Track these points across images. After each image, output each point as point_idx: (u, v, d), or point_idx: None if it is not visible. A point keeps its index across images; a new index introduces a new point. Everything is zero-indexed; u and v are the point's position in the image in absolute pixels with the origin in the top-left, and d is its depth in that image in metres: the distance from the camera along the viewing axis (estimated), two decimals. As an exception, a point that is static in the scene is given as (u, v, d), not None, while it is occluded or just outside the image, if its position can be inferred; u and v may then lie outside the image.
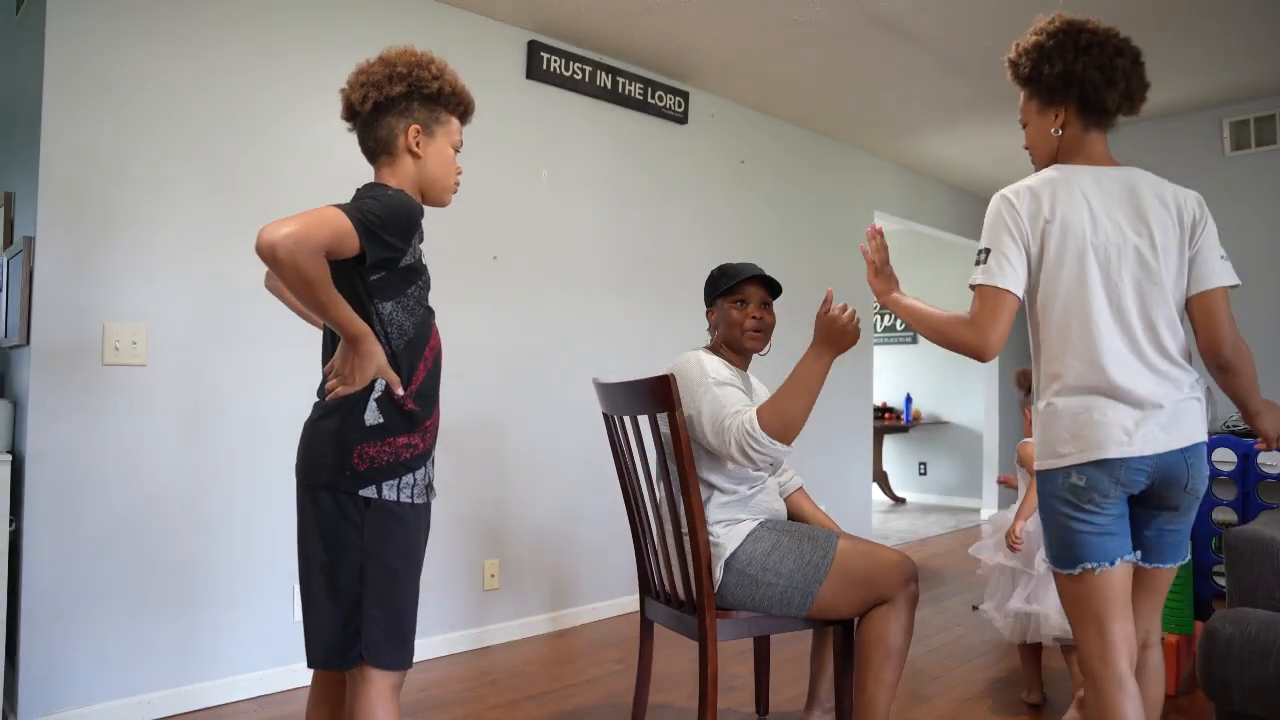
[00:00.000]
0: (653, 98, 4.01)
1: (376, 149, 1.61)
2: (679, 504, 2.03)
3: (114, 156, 2.56)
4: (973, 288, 1.62)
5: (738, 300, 2.19)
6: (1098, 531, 1.56)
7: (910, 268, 7.69)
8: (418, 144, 1.59)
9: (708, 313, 2.27)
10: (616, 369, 3.77)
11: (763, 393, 2.28)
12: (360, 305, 1.48)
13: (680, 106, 4.14)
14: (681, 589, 2.05)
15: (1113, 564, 1.55)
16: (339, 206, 1.39)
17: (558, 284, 3.67)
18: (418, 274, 1.55)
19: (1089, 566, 1.56)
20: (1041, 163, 1.72)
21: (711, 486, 2.07)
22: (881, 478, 7.41)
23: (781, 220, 4.77)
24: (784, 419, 1.87)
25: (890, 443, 7.77)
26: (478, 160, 3.35)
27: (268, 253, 1.28)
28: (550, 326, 3.64)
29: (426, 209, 1.62)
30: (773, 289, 2.21)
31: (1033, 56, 1.66)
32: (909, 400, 7.44)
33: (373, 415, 1.51)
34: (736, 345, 2.20)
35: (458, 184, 1.70)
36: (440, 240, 3.08)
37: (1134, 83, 1.63)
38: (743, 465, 1.97)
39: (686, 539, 2.00)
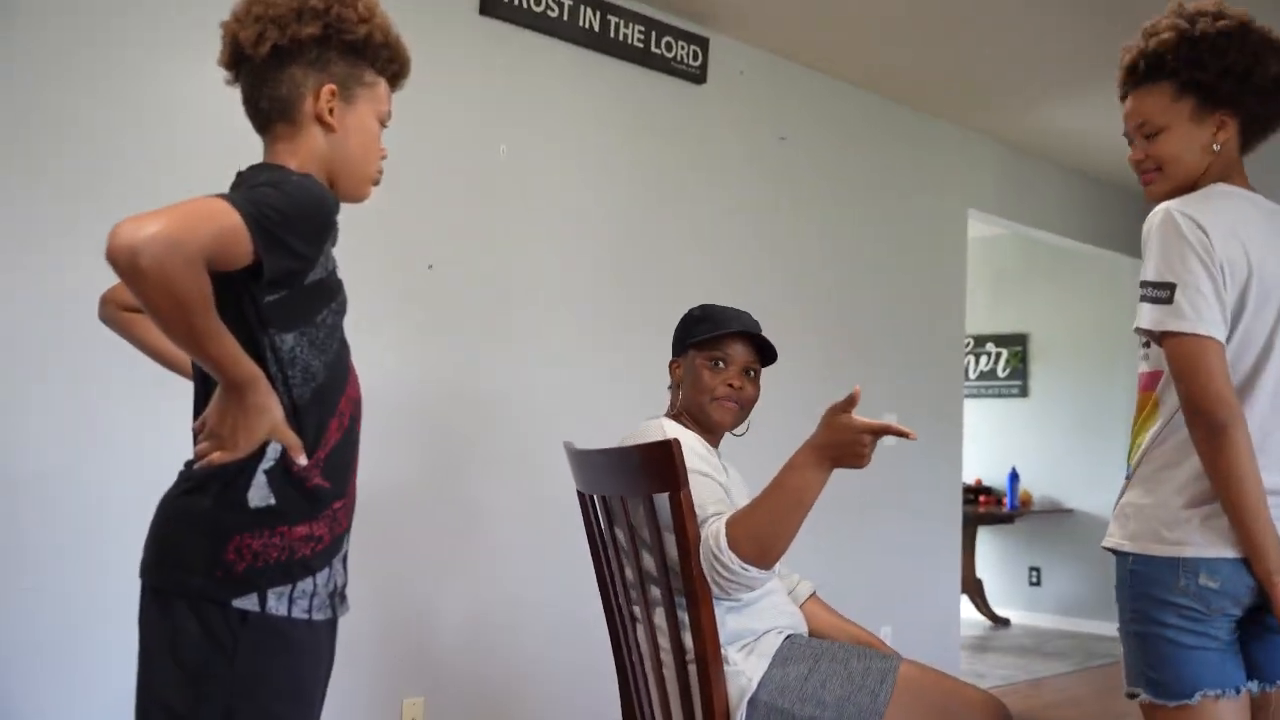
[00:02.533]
0: (658, 46, 4.09)
1: (271, 113, 1.63)
2: (683, 620, 2.06)
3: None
4: (1153, 335, 1.78)
5: (715, 358, 2.30)
6: (1219, 648, 1.77)
7: (1015, 285, 7.76)
8: (331, 110, 1.62)
9: (672, 364, 2.39)
10: (598, 429, 3.80)
11: (740, 485, 2.35)
12: (249, 338, 1.49)
13: (696, 59, 4.22)
14: (686, 743, 2.08)
15: (1238, 692, 1.76)
16: (221, 197, 1.40)
17: (517, 305, 3.71)
18: (331, 293, 1.57)
19: (1210, 694, 1.74)
20: (1176, 185, 1.91)
21: None
22: (974, 588, 7.42)
23: (835, 220, 4.83)
24: (762, 541, 1.97)
25: (988, 538, 7.80)
26: (408, 130, 3.40)
27: (126, 260, 1.25)
28: (504, 365, 3.67)
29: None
30: (765, 353, 2.34)
31: (1210, 45, 1.84)
32: (1014, 478, 7.48)
33: (260, 494, 1.51)
34: (701, 415, 2.31)
35: (381, 172, 1.73)
36: (350, 243, 3.12)
37: None
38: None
39: (693, 668, 2.03)
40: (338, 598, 1.64)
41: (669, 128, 4.20)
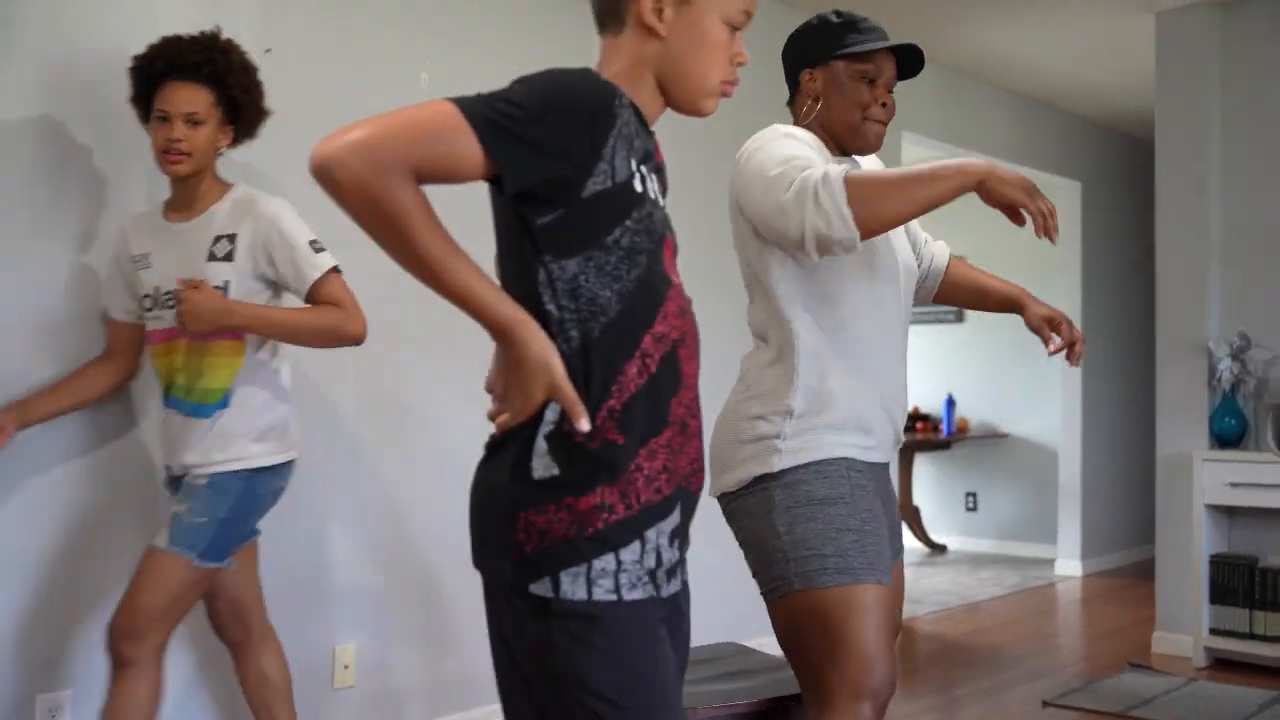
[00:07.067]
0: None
1: (601, 13, 1.55)
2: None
3: None
4: None
5: (866, 73, 2.18)
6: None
7: (952, 211, 7.85)
8: (660, 13, 1.48)
9: (806, 75, 2.22)
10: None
11: None
12: (524, 270, 1.40)
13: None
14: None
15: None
16: (454, 100, 1.32)
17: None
18: (624, 208, 1.41)
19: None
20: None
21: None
22: (911, 515, 7.59)
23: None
24: (872, 203, 1.85)
25: (924, 465, 7.97)
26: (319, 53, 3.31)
27: (318, 172, 1.25)
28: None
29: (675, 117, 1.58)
30: (904, 71, 2.25)
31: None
32: (951, 404, 7.64)
33: (543, 463, 1.39)
34: (847, 134, 2.18)
35: (732, 82, 1.56)
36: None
37: None
38: (780, 231, 1.94)
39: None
40: (662, 574, 1.47)
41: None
